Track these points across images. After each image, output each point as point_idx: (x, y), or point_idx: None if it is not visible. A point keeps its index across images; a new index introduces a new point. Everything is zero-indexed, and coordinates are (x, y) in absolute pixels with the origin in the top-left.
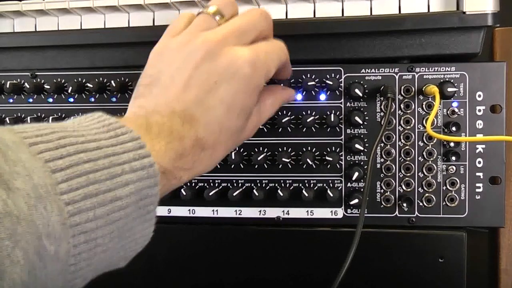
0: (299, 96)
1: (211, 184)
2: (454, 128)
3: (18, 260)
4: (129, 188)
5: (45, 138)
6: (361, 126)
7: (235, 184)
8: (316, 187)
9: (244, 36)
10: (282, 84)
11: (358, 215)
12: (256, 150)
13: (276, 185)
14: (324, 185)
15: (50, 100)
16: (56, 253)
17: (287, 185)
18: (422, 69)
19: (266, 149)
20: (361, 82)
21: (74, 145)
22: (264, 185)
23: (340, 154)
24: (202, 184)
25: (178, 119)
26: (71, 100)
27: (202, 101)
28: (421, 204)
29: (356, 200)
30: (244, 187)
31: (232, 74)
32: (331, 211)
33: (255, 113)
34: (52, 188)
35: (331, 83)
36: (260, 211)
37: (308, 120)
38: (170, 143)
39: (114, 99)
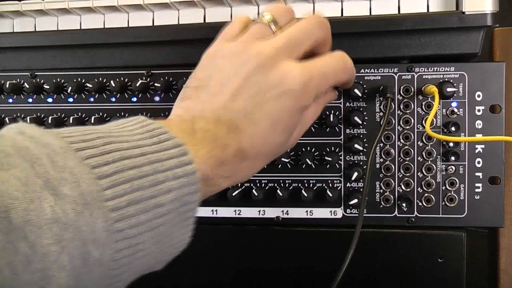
0: None
1: None
2: (453, 128)
3: (64, 265)
4: (171, 195)
5: (91, 143)
6: (361, 126)
7: (234, 184)
8: (316, 187)
9: (297, 48)
10: None
11: (357, 215)
12: None
13: (276, 185)
14: (324, 185)
15: (50, 100)
16: (100, 258)
17: (287, 185)
18: (422, 69)
19: None
20: (361, 82)
21: (119, 151)
22: (263, 185)
23: (339, 154)
24: None
25: (224, 127)
26: (71, 100)
27: (248, 113)
28: (420, 204)
29: (355, 200)
30: (244, 187)
31: (281, 91)
32: (331, 211)
33: (298, 126)
34: (98, 194)
35: None
36: (259, 211)
37: None
38: (213, 150)
39: (113, 99)
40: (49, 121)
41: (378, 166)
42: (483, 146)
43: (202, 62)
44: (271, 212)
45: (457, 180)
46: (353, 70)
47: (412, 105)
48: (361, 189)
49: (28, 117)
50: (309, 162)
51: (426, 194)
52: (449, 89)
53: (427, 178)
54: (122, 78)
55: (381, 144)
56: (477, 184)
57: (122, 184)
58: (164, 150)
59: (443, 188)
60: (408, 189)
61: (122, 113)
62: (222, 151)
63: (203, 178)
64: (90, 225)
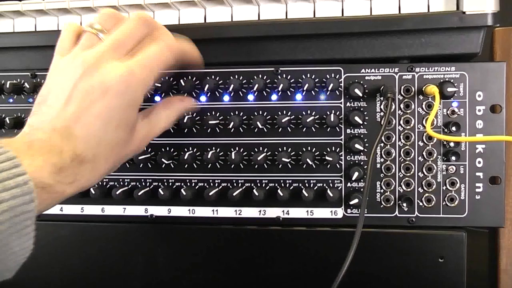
0: (298, 96)
1: (211, 184)
2: (454, 128)
3: None
4: (3, 206)
5: None
6: (361, 126)
7: (235, 184)
8: (316, 187)
9: (121, 49)
10: (185, 94)
11: (358, 215)
12: (256, 150)
13: (276, 185)
14: (324, 185)
15: None
16: None
17: (287, 185)
18: (422, 69)
19: (266, 149)
20: (361, 82)
21: None
22: (264, 185)
23: (340, 154)
24: (202, 184)
25: (58, 135)
26: None
27: (79, 117)
28: (421, 204)
29: (356, 200)
30: (244, 187)
31: (104, 90)
32: (331, 211)
33: (144, 126)
34: None
35: (331, 83)
36: (260, 211)
37: (308, 120)
38: (50, 158)
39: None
40: None
41: (378, 166)
42: (483, 146)
43: (46, 80)
44: (272, 212)
45: (457, 180)
46: (174, 46)
47: (413, 105)
48: (362, 189)
49: (28, 117)
50: (310, 162)
51: (426, 194)
52: (449, 89)
53: (427, 178)
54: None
55: (382, 144)
56: (477, 184)
57: None
58: None
59: (444, 188)
60: (409, 189)
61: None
62: (59, 158)
63: (40, 187)
64: None
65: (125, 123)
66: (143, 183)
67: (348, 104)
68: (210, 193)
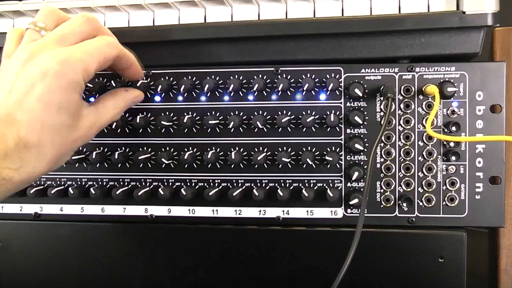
0: (298, 96)
1: (211, 184)
2: (454, 128)
3: None
4: None
5: None
6: (361, 126)
7: (235, 184)
8: (316, 187)
9: (63, 41)
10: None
11: (358, 215)
12: (256, 150)
13: (276, 185)
14: (324, 185)
15: None
16: None
17: (287, 185)
18: (422, 69)
19: (266, 149)
20: (361, 82)
21: None
22: (264, 185)
23: (340, 154)
24: (202, 184)
25: (1, 122)
26: None
27: (21, 102)
28: (421, 204)
29: (356, 200)
30: (244, 187)
31: (44, 73)
32: (331, 211)
33: (90, 113)
34: None
35: (331, 83)
36: (260, 211)
37: (308, 120)
38: None
39: None
40: None
41: (378, 166)
42: (483, 146)
43: None
44: (272, 212)
45: (457, 180)
46: (117, 46)
47: (413, 105)
48: (362, 189)
49: None
50: (310, 162)
51: (426, 194)
52: (449, 89)
53: (427, 178)
54: (122, 78)
55: (382, 144)
56: (477, 184)
57: None
58: None
59: (444, 188)
60: (409, 189)
61: (123, 113)
62: (3, 143)
63: None
64: None
65: (67, 105)
66: (143, 183)
67: (348, 104)
68: (210, 193)
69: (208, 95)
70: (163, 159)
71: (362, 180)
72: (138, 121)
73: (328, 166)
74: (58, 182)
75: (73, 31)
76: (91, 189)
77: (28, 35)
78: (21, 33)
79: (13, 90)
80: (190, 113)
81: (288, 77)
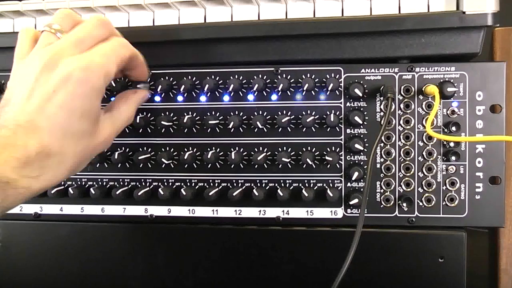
0: (298, 96)
1: (211, 184)
2: (454, 128)
3: None
4: None
5: None
6: (361, 126)
7: (235, 184)
8: (316, 187)
9: (81, 45)
10: (141, 86)
11: (358, 215)
12: (256, 150)
13: (276, 185)
14: (324, 185)
15: None
16: None
17: (287, 185)
18: (422, 69)
19: (266, 149)
20: (361, 82)
21: None
22: (264, 185)
23: (340, 154)
24: (202, 184)
25: (22, 129)
26: None
27: (43, 110)
28: (421, 204)
29: (356, 200)
30: (244, 187)
31: (67, 79)
32: (331, 211)
33: (107, 119)
34: None
35: (331, 83)
36: (260, 211)
37: (308, 120)
38: (13, 152)
39: (113, 99)
40: None
41: (378, 166)
42: (483, 146)
43: (8, 84)
44: (272, 212)
45: (457, 180)
46: (129, 46)
47: (413, 105)
48: (362, 189)
49: None
50: (310, 162)
51: (426, 194)
52: (449, 89)
53: (427, 178)
54: (122, 78)
55: (382, 144)
56: (477, 184)
57: None
58: None
59: (444, 188)
60: (409, 189)
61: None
62: (24, 151)
63: (4, 182)
64: None
65: (89, 113)
66: (143, 183)
67: (348, 104)
68: (210, 193)
69: (208, 95)
70: (163, 159)
71: (362, 180)
72: (138, 121)
73: (328, 166)
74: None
75: (90, 34)
76: (91, 189)
77: (44, 38)
78: (34, 34)
79: (33, 96)
80: (190, 113)
81: (288, 77)
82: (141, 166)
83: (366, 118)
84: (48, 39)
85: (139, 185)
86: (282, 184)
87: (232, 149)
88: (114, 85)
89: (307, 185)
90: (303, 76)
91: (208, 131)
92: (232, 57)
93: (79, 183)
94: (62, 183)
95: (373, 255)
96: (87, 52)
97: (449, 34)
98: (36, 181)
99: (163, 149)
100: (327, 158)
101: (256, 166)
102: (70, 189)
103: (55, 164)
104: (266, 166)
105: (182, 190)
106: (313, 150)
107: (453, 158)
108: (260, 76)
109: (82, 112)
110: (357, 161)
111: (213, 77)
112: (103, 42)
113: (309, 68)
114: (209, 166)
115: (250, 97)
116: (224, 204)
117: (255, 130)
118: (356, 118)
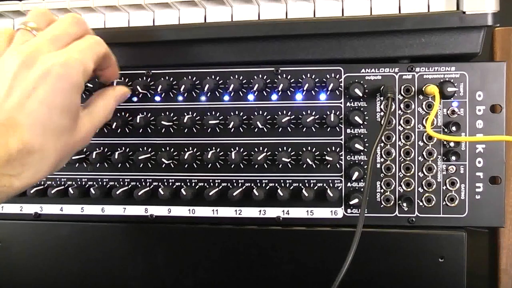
0: (298, 96)
1: (211, 184)
2: (454, 128)
3: None
4: None
5: None
6: (361, 126)
7: (235, 184)
8: (316, 187)
9: (57, 42)
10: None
11: (358, 215)
12: (256, 150)
13: (276, 185)
14: (324, 185)
15: None
16: None
17: (287, 185)
18: (422, 69)
19: (266, 149)
20: (361, 82)
21: None
22: (264, 185)
23: (340, 154)
24: (202, 184)
25: (2, 127)
26: None
27: (23, 106)
28: (421, 204)
29: (356, 200)
30: (244, 187)
31: (46, 74)
32: (331, 211)
33: (85, 116)
34: None
35: (331, 83)
36: (260, 211)
37: (308, 120)
38: None
39: None
40: None
41: (378, 166)
42: (483, 146)
43: None
44: (272, 212)
45: (457, 180)
46: (104, 45)
47: (413, 105)
48: (362, 189)
49: None
50: (310, 162)
51: (426, 194)
52: (449, 89)
53: (427, 178)
54: (122, 78)
55: (382, 144)
56: (477, 184)
57: None
58: None
59: (444, 188)
60: (409, 189)
61: (123, 113)
62: (5, 150)
63: None
64: None
65: (69, 108)
66: (143, 183)
67: (348, 104)
68: (210, 193)
69: (208, 95)
70: (163, 159)
71: (362, 180)
72: (138, 121)
73: (328, 166)
74: (58, 182)
75: (66, 32)
76: (91, 189)
77: (20, 36)
78: (10, 33)
79: (12, 93)
80: (190, 113)
81: (288, 77)
82: (141, 166)
83: (366, 118)
84: (24, 36)
85: (139, 185)
86: (282, 184)
87: (232, 149)
88: (91, 85)
89: (307, 185)
90: (303, 76)
91: (208, 131)
92: (232, 57)
93: (79, 183)
94: (62, 183)
95: (373, 255)
96: (65, 49)
97: (449, 34)
98: (17, 179)
99: (163, 149)
100: (327, 158)
101: (256, 166)
102: (70, 189)
103: (36, 161)
104: (266, 166)
105: (182, 190)
106: (313, 150)
107: (453, 158)
108: (260, 76)
109: (62, 108)
110: (357, 161)
111: (213, 77)
112: (78, 39)
113: (309, 68)
114: (209, 166)
115: (250, 97)
116: (224, 204)
117: (255, 130)
118: (356, 118)
